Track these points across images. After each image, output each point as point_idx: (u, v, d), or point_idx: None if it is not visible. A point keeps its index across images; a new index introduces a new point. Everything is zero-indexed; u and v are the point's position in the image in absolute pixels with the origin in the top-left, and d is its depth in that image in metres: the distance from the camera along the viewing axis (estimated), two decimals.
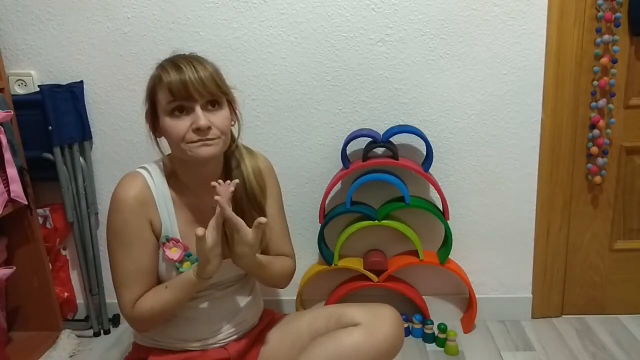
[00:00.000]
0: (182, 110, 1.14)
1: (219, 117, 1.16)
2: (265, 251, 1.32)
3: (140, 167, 1.24)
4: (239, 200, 1.25)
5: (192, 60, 1.15)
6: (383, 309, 1.29)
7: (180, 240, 1.21)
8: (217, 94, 1.15)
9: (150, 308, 1.17)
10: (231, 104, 1.22)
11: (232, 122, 1.23)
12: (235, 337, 1.29)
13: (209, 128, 1.13)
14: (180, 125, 1.13)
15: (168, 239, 1.20)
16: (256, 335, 1.34)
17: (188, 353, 1.25)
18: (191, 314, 1.25)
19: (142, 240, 1.18)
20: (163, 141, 1.23)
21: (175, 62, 1.15)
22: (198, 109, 1.12)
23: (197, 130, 1.12)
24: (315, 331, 1.29)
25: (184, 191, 1.25)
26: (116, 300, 1.21)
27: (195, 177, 1.24)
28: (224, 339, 1.28)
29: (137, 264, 1.18)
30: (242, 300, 1.31)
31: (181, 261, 1.20)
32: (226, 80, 1.20)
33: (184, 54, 1.19)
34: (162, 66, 1.16)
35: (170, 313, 1.21)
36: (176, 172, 1.25)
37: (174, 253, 1.19)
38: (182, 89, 1.11)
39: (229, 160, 1.27)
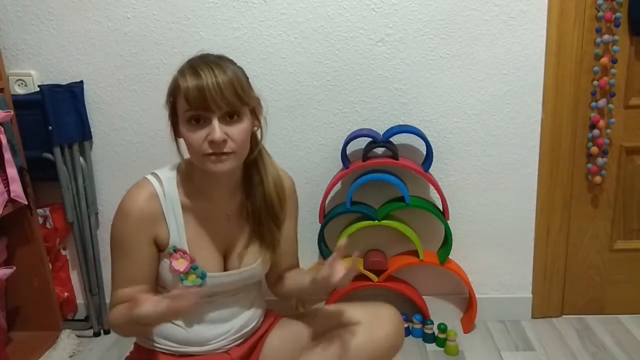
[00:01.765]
0: (198, 120, 1.08)
1: (237, 130, 1.09)
2: (276, 265, 1.33)
3: (151, 174, 1.20)
4: (257, 210, 1.23)
5: (213, 65, 1.07)
6: (383, 308, 1.29)
7: (188, 252, 1.18)
8: (237, 105, 1.08)
9: (115, 318, 1.15)
10: (254, 111, 1.16)
11: (255, 128, 1.19)
12: (238, 342, 1.28)
13: (225, 141, 1.07)
14: (196, 136, 1.08)
15: (175, 250, 1.17)
16: (258, 338, 1.33)
17: (190, 358, 1.25)
18: (194, 318, 1.23)
19: (138, 254, 1.15)
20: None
21: (195, 66, 1.08)
22: (215, 121, 1.06)
23: (212, 142, 1.08)
24: (315, 331, 1.29)
25: (197, 196, 1.21)
26: None
27: (212, 183, 1.20)
28: (227, 345, 1.26)
29: (129, 273, 1.16)
30: (247, 307, 1.29)
31: (187, 273, 1.17)
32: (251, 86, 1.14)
33: (208, 56, 1.13)
34: (182, 70, 1.10)
35: (132, 330, 1.15)
36: (192, 176, 1.21)
37: (180, 265, 1.17)
38: (199, 98, 1.05)
39: (250, 167, 1.24)
